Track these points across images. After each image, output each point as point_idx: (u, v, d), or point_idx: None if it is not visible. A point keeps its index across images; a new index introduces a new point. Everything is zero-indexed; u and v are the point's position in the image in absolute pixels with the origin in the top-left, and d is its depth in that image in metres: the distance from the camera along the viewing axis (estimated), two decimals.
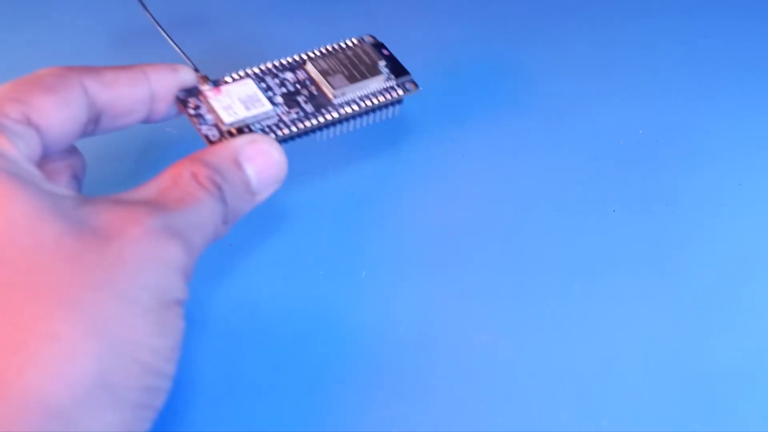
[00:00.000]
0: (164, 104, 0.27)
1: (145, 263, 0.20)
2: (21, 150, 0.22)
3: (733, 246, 0.32)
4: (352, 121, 0.30)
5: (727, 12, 0.46)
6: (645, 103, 0.40)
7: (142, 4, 0.31)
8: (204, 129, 0.27)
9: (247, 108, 0.28)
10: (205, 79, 0.28)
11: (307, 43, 0.32)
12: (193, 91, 0.28)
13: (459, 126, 0.38)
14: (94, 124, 0.25)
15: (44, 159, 0.24)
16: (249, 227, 0.32)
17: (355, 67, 0.31)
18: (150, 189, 0.23)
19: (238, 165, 0.25)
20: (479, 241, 0.32)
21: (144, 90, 0.26)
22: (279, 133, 0.28)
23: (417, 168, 0.36)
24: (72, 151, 0.27)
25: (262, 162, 0.25)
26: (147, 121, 0.27)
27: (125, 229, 0.20)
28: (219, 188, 0.23)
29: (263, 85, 0.29)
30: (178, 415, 0.27)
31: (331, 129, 0.30)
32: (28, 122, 0.22)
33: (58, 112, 0.23)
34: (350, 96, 0.30)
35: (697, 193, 0.35)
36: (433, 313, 0.30)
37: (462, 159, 0.36)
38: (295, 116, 0.29)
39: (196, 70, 0.28)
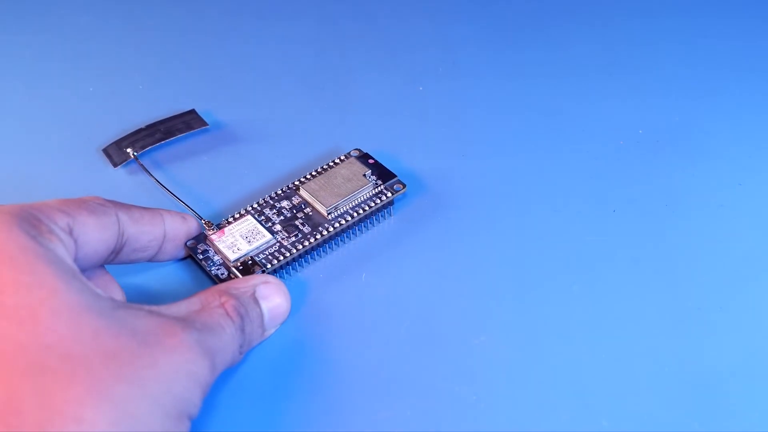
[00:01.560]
0: (172, 245, 0.30)
1: (176, 372, 0.22)
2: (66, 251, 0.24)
3: (733, 246, 0.32)
4: (349, 231, 0.32)
5: (727, 12, 0.46)
6: (645, 103, 0.40)
7: (146, 170, 0.34)
8: (213, 270, 0.30)
9: (249, 242, 0.30)
10: (209, 224, 0.31)
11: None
12: (200, 237, 0.31)
13: (459, 126, 0.38)
14: (115, 254, 0.27)
15: None
16: None
17: (344, 182, 0.32)
18: (180, 308, 0.25)
19: (255, 301, 0.27)
20: (479, 241, 0.32)
21: (160, 230, 0.29)
22: (280, 258, 0.30)
23: (417, 169, 0.36)
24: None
25: (272, 302, 0.28)
26: (154, 259, 0.30)
27: (162, 338, 0.22)
28: (242, 318, 0.26)
29: (262, 217, 0.32)
30: None
31: (331, 242, 0.32)
32: (71, 233, 0.25)
33: (96, 232, 0.26)
34: (343, 209, 0.32)
35: (697, 193, 0.35)
36: (433, 313, 0.30)
37: (462, 159, 0.36)
38: (294, 239, 0.31)
39: (200, 218, 0.32)
